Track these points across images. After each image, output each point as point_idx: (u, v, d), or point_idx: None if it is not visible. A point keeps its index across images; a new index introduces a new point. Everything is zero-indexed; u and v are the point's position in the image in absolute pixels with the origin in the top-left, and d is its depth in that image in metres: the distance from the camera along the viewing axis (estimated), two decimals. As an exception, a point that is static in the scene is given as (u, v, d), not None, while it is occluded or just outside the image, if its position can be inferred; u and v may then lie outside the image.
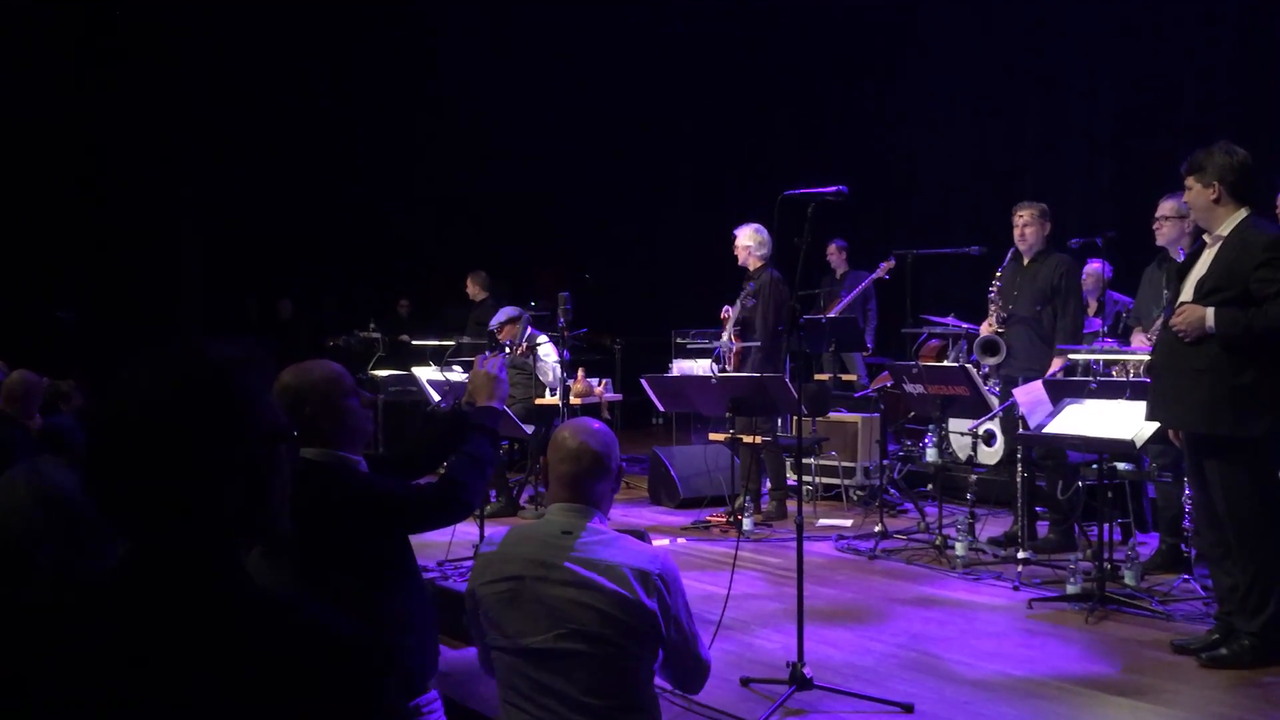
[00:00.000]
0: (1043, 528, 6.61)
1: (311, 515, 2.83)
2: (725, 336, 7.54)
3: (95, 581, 1.40)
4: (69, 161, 11.86)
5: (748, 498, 7.36)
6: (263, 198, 12.65)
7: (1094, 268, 7.93)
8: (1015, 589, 5.59)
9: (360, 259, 13.49)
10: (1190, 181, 4.58)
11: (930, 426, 7.07)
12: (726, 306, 7.74)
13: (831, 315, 8.95)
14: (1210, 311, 4.37)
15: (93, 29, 11.75)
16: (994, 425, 7.07)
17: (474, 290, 10.52)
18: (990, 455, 7.41)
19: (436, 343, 10.43)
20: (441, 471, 3.20)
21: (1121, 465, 5.91)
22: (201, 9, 12.05)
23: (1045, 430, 5.29)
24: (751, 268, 7.62)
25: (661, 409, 7.94)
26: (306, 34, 12.57)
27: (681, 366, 9.34)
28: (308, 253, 13.23)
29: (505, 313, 8.41)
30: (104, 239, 12.16)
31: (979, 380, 6.28)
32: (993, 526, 6.83)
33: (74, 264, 12.02)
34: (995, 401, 6.38)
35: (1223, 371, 4.38)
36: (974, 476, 6.67)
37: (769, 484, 7.74)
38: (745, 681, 4.25)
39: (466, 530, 5.95)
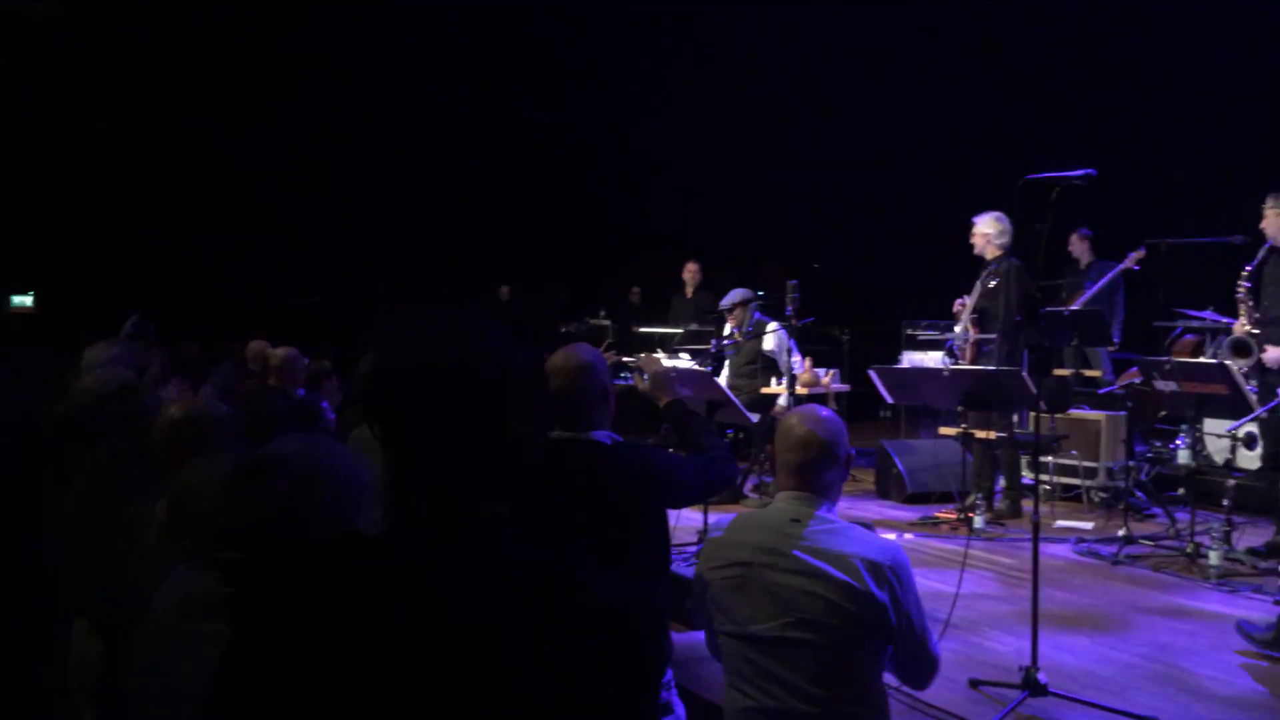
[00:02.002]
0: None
1: (626, 493, 2.91)
2: (960, 327, 7.27)
3: (372, 534, 1.49)
4: (320, 159, 12.63)
5: (980, 495, 7.11)
6: (496, 186, 13.11)
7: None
8: (1277, 603, 5.17)
9: (593, 246, 13.79)
10: None
11: (1183, 427, 6.65)
12: (961, 298, 7.47)
13: (1074, 308, 8.51)
14: None
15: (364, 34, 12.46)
16: (1255, 427, 6.57)
17: (691, 277, 10.68)
18: (1250, 460, 6.89)
19: (665, 330, 10.54)
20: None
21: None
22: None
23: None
24: (989, 256, 7.32)
25: (890, 401, 7.75)
26: (538, 24, 12.90)
27: (911, 358, 9.11)
28: (536, 240, 13.63)
29: (737, 294, 8.39)
30: (349, 230, 12.92)
31: (1239, 378, 5.83)
32: (1251, 536, 6.34)
33: (324, 256, 12.82)
34: (1257, 402, 5.91)
35: None
36: (1232, 481, 6.19)
37: (1002, 481, 7.45)
38: (974, 683, 4.10)
39: (690, 516, 6.00)
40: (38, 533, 3.31)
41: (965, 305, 7.40)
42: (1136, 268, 8.76)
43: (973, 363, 7.09)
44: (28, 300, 13.77)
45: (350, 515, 2.14)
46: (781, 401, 7.85)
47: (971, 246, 7.39)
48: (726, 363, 8.57)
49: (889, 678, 2.74)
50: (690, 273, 10.71)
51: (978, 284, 7.34)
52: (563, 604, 1.36)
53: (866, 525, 2.88)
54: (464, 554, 1.39)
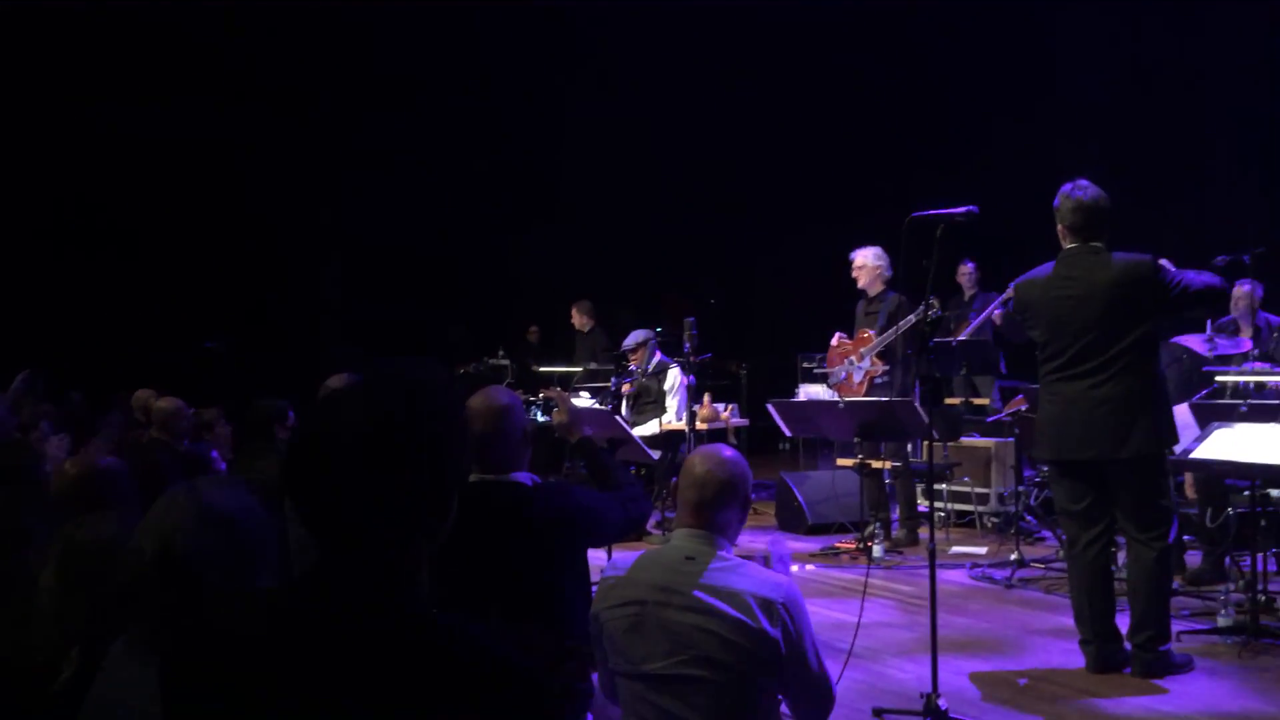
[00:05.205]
0: (1193, 558, 6.32)
1: (550, 534, 2.95)
2: (865, 361, 7.39)
3: (276, 591, 1.46)
4: (217, 193, 12.38)
5: (878, 524, 7.24)
6: (397, 226, 13.01)
7: (1245, 290, 7.57)
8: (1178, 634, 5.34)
9: (489, 286, 13.74)
10: None
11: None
12: (838, 334, 7.65)
13: (961, 338, 8.75)
14: None
15: (232, 63, 12.24)
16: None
17: (580, 320, 10.53)
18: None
19: (564, 369, 10.54)
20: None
21: (1276, 492, 5.62)
22: (335, 44, 12.48)
23: (1193, 455, 5.07)
24: (873, 292, 7.51)
25: (788, 434, 7.87)
26: (438, 59, 12.88)
27: (808, 391, 9.24)
28: (437, 279, 13.54)
29: (638, 335, 8.49)
30: (249, 270, 12.67)
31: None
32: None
33: (221, 295, 12.52)
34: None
35: None
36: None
37: (898, 510, 7.60)
38: (878, 712, 4.16)
39: (595, 555, 5.98)
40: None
41: (843, 339, 7.58)
42: (1018, 297, 9.01)
43: (866, 395, 7.24)
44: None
45: (263, 565, 2.07)
46: (646, 431, 7.96)
47: (854, 280, 7.57)
48: (624, 401, 8.66)
49: (789, 711, 2.77)
50: (578, 318, 10.63)
51: (860, 317, 7.54)
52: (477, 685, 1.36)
53: (766, 558, 2.91)
54: (379, 623, 1.38)
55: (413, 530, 1.44)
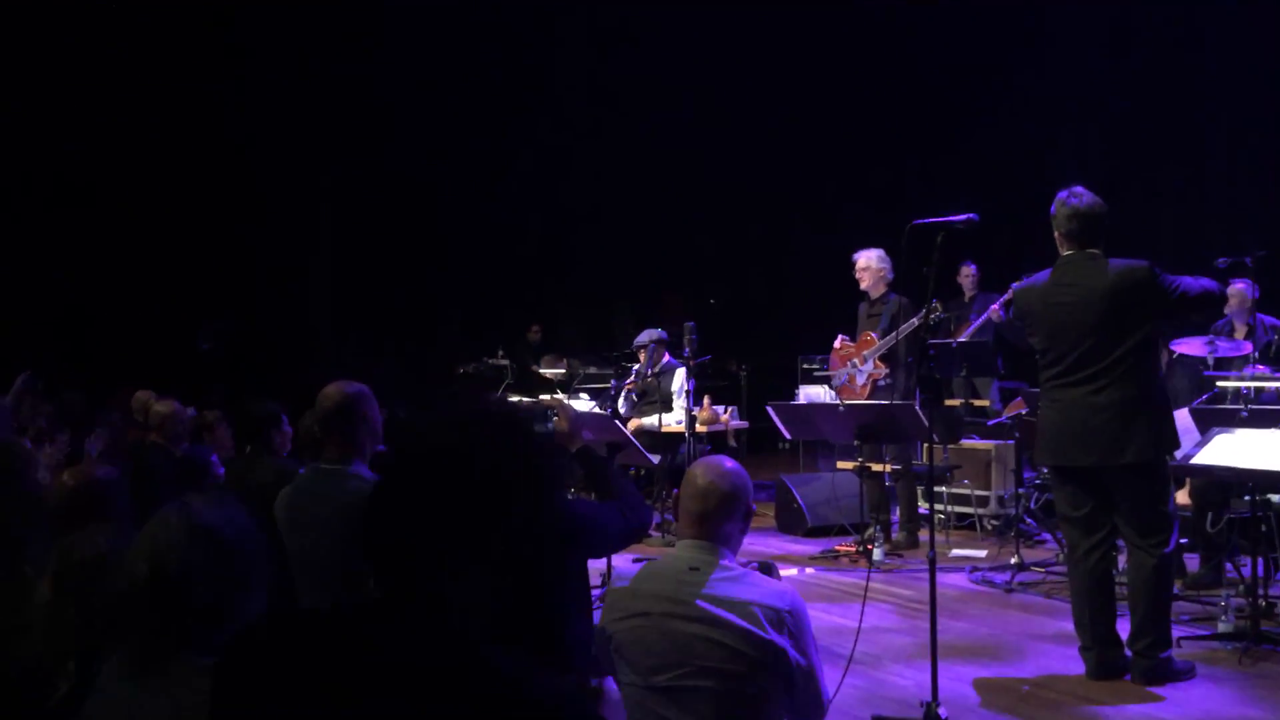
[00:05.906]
0: (1192, 561, 6.31)
1: (550, 546, 2.92)
2: (868, 364, 7.38)
3: (333, 615, 1.46)
4: (210, 197, 12.34)
5: (877, 527, 7.23)
6: (391, 224, 12.98)
7: (1240, 288, 7.57)
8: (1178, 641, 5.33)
9: (490, 286, 13.72)
10: None
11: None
12: (841, 336, 7.64)
13: (961, 339, 8.74)
14: None
15: (230, 62, 12.22)
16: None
17: (559, 369, 10.77)
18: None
19: (565, 370, 10.54)
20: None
21: (1276, 497, 5.61)
22: (335, 41, 12.46)
23: (1193, 461, 5.06)
24: (877, 293, 7.50)
25: (788, 436, 7.86)
26: (432, 77, 12.87)
27: (808, 393, 9.25)
28: (433, 280, 13.52)
29: (650, 334, 8.51)
30: (244, 274, 12.65)
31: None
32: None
33: (217, 298, 12.49)
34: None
35: None
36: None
37: (899, 513, 7.59)
38: None
39: (594, 562, 5.98)
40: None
41: (845, 342, 7.58)
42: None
43: (869, 399, 7.22)
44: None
45: (256, 586, 2.05)
46: (648, 422, 7.97)
47: (858, 282, 7.56)
48: (621, 401, 8.67)
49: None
50: (551, 370, 10.82)
51: (863, 319, 7.53)
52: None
53: (768, 565, 2.91)
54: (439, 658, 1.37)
55: (473, 567, 1.43)
